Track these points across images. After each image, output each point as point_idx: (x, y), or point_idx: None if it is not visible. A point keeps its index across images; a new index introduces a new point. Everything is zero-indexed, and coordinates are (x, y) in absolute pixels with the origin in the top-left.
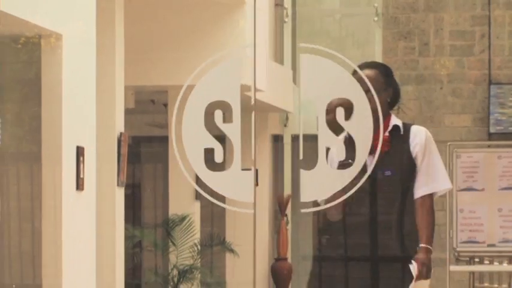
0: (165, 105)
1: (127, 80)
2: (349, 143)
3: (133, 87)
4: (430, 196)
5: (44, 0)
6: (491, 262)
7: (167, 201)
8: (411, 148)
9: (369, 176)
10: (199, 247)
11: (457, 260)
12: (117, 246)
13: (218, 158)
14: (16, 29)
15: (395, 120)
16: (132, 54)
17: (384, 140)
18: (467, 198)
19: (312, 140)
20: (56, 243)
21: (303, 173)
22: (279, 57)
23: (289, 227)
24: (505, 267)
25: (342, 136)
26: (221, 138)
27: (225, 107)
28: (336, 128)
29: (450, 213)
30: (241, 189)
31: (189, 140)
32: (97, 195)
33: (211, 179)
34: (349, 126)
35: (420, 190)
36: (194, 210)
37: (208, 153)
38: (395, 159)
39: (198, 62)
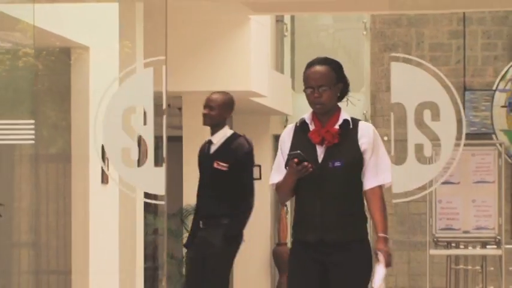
0: (179, 108)
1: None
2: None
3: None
4: (380, 188)
5: (73, 17)
6: (465, 246)
7: (181, 193)
8: (359, 142)
9: (319, 166)
10: None
11: (436, 245)
12: (137, 232)
13: (133, 155)
14: (49, 42)
15: (345, 115)
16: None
17: (334, 133)
18: (445, 190)
19: None
20: (84, 229)
21: (394, 168)
22: (279, 67)
23: (288, 215)
24: (478, 251)
25: None
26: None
27: (139, 112)
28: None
29: (430, 204)
30: (154, 183)
31: (108, 140)
32: (120, 189)
33: (128, 174)
34: (436, 127)
35: (369, 182)
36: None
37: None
38: (344, 151)
39: (209, 71)
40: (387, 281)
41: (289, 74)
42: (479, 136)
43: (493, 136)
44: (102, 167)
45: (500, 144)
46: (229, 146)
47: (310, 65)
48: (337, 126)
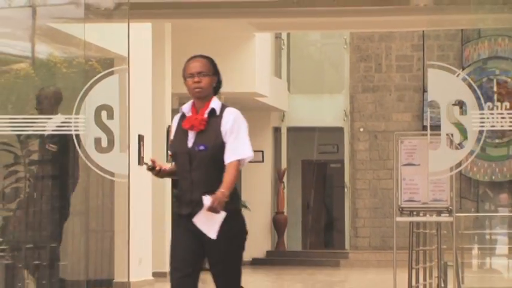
0: None
1: (172, 89)
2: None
3: (177, 94)
4: (237, 162)
5: (115, 33)
6: (424, 214)
7: None
8: (221, 128)
9: (188, 150)
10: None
11: (401, 214)
12: (166, 202)
13: (104, 143)
14: (97, 54)
15: (214, 104)
16: (176, 71)
17: (202, 120)
18: (408, 170)
19: (300, 130)
20: (125, 200)
21: (431, 152)
22: (278, 73)
23: (285, 190)
24: (434, 218)
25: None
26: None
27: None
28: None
29: (396, 181)
30: (120, 165)
31: (83, 131)
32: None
33: (99, 158)
34: (463, 120)
35: (228, 158)
36: None
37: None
38: (208, 137)
39: (222, 77)
40: (362, 241)
41: (286, 79)
42: (435, 128)
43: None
44: (138, 152)
45: (452, 135)
46: None
47: (190, 59)
48: (206, 115)
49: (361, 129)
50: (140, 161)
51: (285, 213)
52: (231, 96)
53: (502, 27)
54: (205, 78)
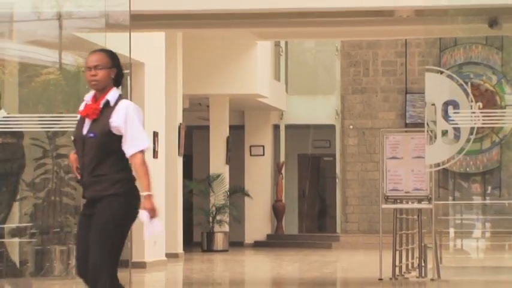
0: (207, 106)
1: (183, 90)
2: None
3: (188, 95)
4: (139, 153)
5: (133, 41)
6: (406, 202)
7: (208, 164)
8: (111, 119)
9: (83, 136)
10: (228, 193)
11: (386, 201)
12: (178, 192)
13: None
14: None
15: (110, 95)
16: (187, 74)
17: (95, 110)
18: (393, 163)
19: (297, 128)
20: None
21: (427, 147)
22: (277, 77)
23: (283, 181)
24: (416, 205)
25: None
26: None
27: None
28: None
29: (382, 173)
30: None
31: None
32: (166, 161)
33: None
34: (457, 118)
35: (129, 150)
36: (225, 171)
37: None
38: (99, 125)
39: (228, 79)
40: (352, 226)
41: (284, 81)
42: (416, 125)
43: (426, 125)
44: (153, 146)
45: (431, 131)
46: None
47: (91, 53)
48: (100, 105)
49: (351, 127)
50: (155, 154)
51: (283, 201)
52: (236, 97)
53: (475, 35)
54: (102, 72)
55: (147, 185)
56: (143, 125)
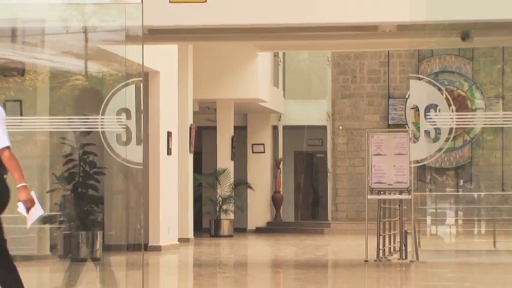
0: (215, 109)
1: (194, 95)
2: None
3: (197, 100)
4: (4, 150)
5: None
6: (389, 193)
7: (215, 160)
8: None
9: None
10: (233, 185)
11: (371, 193)
12: (189, 185)
13: (123, 138)
14: (134, 69)
15: None
16: (197, 81)
17: None
18: (377, 159)
19: (293, 128)
20: (157, 182)
21: (412, 145)
22: (276, 83)
23: (281, 175)
24: (397, 196)
25: None
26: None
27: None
28: None
29: (367, 167)
30: (136, 154)
31: (108, 128)
32: (178, 158)
33: (119, 149)
34: (436, 119)
35: None
36: (230, 166)
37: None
38: None
39: (232, 85)
40: (341, 214)
41: (282, 87)
42: (397, 126)
43: (406, 126)
44: (167, 144)
45: (410, 131)
46: None
47: None
48: None
49: (340, 127)
50: (169, 151)
51: (281, 193)
52: (239, 101)
53: (450, 47)
54: None
55: (19, 177)
56: (5, 125)
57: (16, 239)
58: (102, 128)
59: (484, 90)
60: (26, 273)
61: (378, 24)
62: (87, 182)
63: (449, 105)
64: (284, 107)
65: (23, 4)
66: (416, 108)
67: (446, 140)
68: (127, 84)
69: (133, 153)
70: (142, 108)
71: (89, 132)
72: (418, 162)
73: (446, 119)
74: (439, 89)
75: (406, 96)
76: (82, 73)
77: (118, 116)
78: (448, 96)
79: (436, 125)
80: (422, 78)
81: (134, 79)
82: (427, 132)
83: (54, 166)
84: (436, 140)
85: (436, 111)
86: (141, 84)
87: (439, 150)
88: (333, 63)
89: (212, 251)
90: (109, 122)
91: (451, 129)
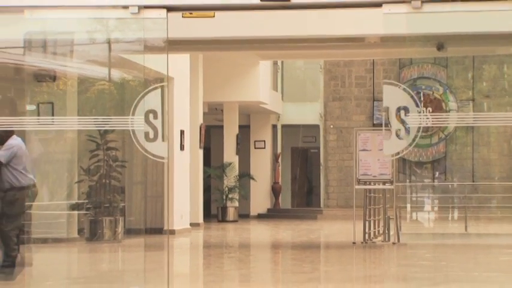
0: (222, 110)
1: (204, 98)
2: None
3: (207, 102)
4: None
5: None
6: (374, 184)
7: (222, 155)
8: None
9: None
10: (237, 177)
11: (358, 183)
12: (199, 177)
13: (151, 135)
14: (152, 75)
15: None
16: (206, 86)
17: None
18: (363, 154)
19: (290, 127)
20: (170, 175)
21: (385, 142)
22: (275, 88)
23: (280, 167)
24: (380, 186)
25: None
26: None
27: (155, 112)
28: None
29: (355, 161)
30: (161, 150)
31: (136, 127)
32: (190, 153)
33: (148, 146)
34: (408, 120)
35: None
36: (235, 160)
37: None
38: None
39: (237, 89)
40: (332, 202)
41: (280, 91)
42: (381, 125)
43: (389, 125)
44: (180, 141)
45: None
46: None
47: None
48: None
49: (331, 126)
50: (181, 147)
51: (280, 183)
52: (244, 104)
53: (426, 56)
54: None
55: None
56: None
57: (48, 224)
58: (132, 127)
59: (456, 94)
60: (57, 253)
61: (364, 36)
62: (110, 174)
63: (426, 107)
64: (282, 109)
65: (55, 18)
66: (387, 110)
67: (415, 137)
68: (155, 88)
69: (159, 148)
70: (167, 109)
71: (112, 131)
72: (393, 155)
73: (416, 119)
74: (408, 92)
75: None
76: (106, 79)
77: (146, 116)
78: (417, 98)
79: (407, 124)
80: (397, 85)
81: (159, 84)
82: (397, 131)
83: (81, 160)
84: (406, 137)
85: (406, 112)
86: (166, 88)
87: (410, 145)
88: (325, 70)
89: (219, 234)
90: (138, 122)
91: (419, 128)
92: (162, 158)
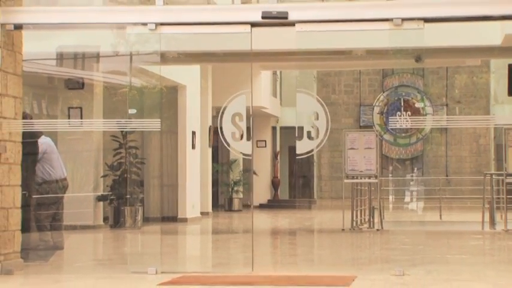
0: None
1: (212, 103)
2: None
3: (215, 106)
4: None
5: (177, 70)
6: (361, 178)
7: (229, 153)
8: None
9: None
10: (242, 172)
11: (347, 177)
12: (208, 172)
13: (238, 136)
14: (166, 83)
15: None
16: (215, 92)
17: None
18: (351, 152)
19: (288, 128)
20: (183, 170)
21: (298, 142)
22: (274, 94)
23: (279, 164)
24: (366, 180)
25: None
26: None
27: (240, 115)
28: None
29: (344, 158)
30: (247, 148)
31: (224, 128)
32: (200, 151)
33: (236, 145)
34: (319, 124)
35: None
36: (240, 157)
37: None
38: None
39: (243, 96)
40: (324, 194)
41: (279, 97)
42: (367, 127)
43: (373, 127)
44: (192, 141)
45: (376, 131)
46: None
47: None
48: None
49: None
50: (193, 146)
51: (279, 177)
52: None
53: (406, 67)
54: None
55: None
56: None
57: (77, 213)
58: (220, 127)
59: (432, 100)
60: (85, 239)
61: (352, 50)
62: (131, 170)
63: (406, 111)
64: (281, 112)
65: (83, 33)
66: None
67: (323, 138)
68: (242, 93)
69: (244, 146)
70: (251, 112)
71: (132, 132)
72: (302, 154)
73: (323, 123)
74: (319, 101)
75: (373, 105)
76: (127, 87)
77: (233, 118)
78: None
79: (317, 127)
80: (310, 94)
81: (243, 91)
82: (308, 132)
83: (106, 157)
84: (315, 138)
85: (316, 119)
86: (250, 96)
87: (318, 146)
88: (318, 79)
89: (226, 222)
90: (226, 123)
91: (326, 130)
92: (248, 155)
